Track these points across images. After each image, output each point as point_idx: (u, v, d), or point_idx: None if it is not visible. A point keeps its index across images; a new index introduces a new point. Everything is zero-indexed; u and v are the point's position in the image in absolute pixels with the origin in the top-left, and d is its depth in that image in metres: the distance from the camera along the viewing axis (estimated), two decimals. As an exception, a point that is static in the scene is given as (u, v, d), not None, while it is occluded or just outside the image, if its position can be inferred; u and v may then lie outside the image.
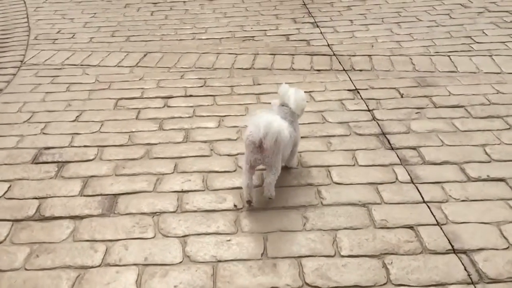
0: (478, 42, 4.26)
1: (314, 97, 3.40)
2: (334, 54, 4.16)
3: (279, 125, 2.20)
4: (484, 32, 4.46)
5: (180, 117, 3.21)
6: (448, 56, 4.03)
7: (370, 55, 4.12)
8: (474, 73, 3.72)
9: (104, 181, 2.55)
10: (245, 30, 4.83)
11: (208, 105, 3.37)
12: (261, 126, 2.16)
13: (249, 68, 3.97)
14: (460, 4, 5.18)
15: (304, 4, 5.47)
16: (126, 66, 4.07)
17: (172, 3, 5.73)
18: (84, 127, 3.12)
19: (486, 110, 3.16)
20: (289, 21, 5.03)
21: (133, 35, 4.80)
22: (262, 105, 3.35)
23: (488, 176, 2.51)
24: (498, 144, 2.79)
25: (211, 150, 2.83)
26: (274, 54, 4.23)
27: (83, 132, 3.06)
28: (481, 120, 3.05)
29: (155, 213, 2.32)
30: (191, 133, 3.01)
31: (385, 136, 2.91)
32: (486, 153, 2.71)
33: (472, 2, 5.21)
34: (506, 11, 4.92)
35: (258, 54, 4.25)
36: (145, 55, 4.28)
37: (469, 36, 4.39)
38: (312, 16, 5.10)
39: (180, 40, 4.66)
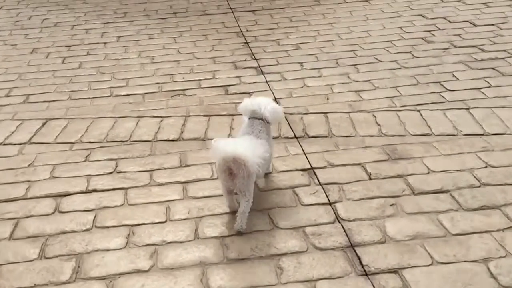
0: (449, 90, 3.60)
1: (258, 185, 2.60)
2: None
3: (245, 153, 2.13)
4: (454, 76, 3.82)
5: (74, 232, 2.32)
6: (418, 111, 3.34)
7: (326, 113, 3.37)
8: (453, 135, 3.04)
9: None
10: (176, 81, 3.99)
11: (116, 206, 2.49)
12: (227, 155, 2.13)
13: (177, 140, 3.13)
14: (422, 39, 4.55)
15: (247, 43, 4.69)
16: (15, 144, 3.12)
17: (90, 45, 4.81)
18: None
19: (477, 196, 2.46)
20: (229, 66, 4.23)
21: (35, 93, 3.86)
22: (189, 201, 2.52)
23: (503, 323, 1.78)
24: (504, 257, 2.08)
25: (111, 295, 1.96)
26: (209, 116, 3.41)
27: None
28: (474, 214, 2.34)
29: None
30: (84, 262, 2.12)
31: (355, 251, 2.13)
32: (492, 275, 1.98)
33: (434, 36, 4.60)
34: (474, 46, 4.32)
35: (189, 116, 3.42)
36: (44, 124, 3.36)
37: (438, 82, 3.74)
38: (256, 59, 4.33)
39: (93, 98, 3.75)
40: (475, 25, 4.76)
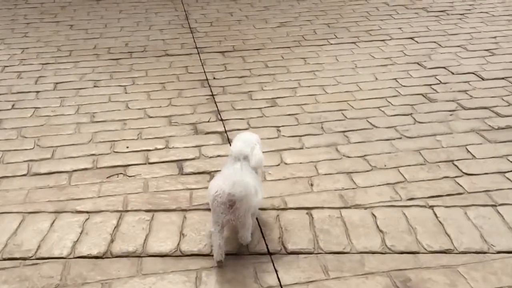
0: (466, 174, 2.81)
1: None
2: (252, 208, 2.53)
3: (247, 180, 2.11)
4: (469, 151, 3.04)
5: None
6: (431, 207, 2.53)
7: (310, 209, 2.53)
8: (483, 253, 2.23)
9: None
10: (117, 152, 3.10)
11: None
12: (231, 184, 2.05)
13: (102, 256, 2.23)
14: (423, 96, 3.78)
15: (212, 96, 3.84)
16: None
17: (18, 95, 3.88)
18: None
19: None
20: (188, 129, 3.36)
21: None
22: None
23: None
24: None
25: None
26: (154, 211, 2.53)
27: None
28: None
29: None
30: None
31: None
32: None
33: (437, 92, 3.84)
34: (486, 108, 3.58)
35: (126, 211, 2.53)
36: None
37: (451, 160, 2.95)
38: (222, 120, 3.47)
39: (2, 178, 2.83)
40: (483, 79, 4.03)
